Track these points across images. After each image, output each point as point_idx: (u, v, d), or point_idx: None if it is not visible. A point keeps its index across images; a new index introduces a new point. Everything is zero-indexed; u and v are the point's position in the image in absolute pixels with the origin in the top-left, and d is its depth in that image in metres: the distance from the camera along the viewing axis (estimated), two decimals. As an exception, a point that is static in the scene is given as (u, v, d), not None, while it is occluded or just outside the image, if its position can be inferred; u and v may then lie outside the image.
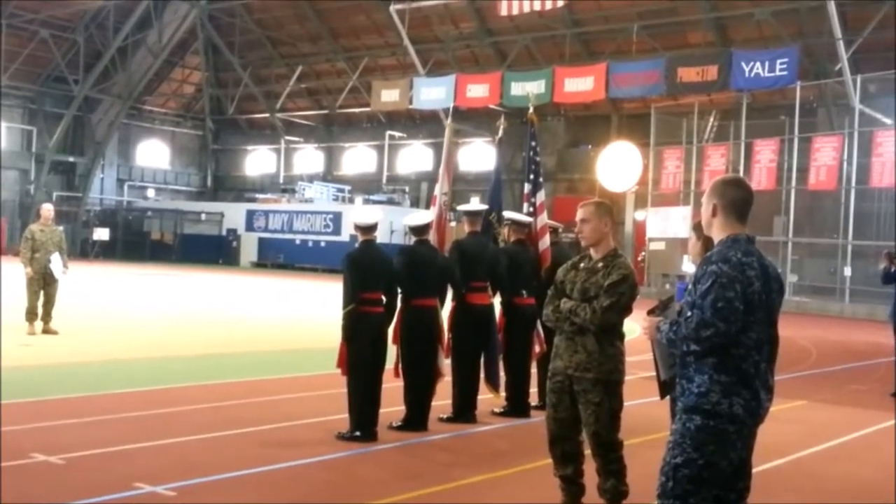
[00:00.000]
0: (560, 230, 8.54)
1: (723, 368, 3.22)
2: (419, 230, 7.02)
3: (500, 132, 9.38)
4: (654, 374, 3.61)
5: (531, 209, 8.07)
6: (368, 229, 6.66)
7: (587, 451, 4.64)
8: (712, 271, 3.23)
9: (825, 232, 27.29)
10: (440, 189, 8.01)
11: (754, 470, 3.48)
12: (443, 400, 7.25)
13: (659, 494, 3.31)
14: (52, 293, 11.88)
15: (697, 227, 4.25)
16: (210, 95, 47.25)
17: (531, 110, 8.79)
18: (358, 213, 6.98)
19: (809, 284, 27.58)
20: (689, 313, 3.24)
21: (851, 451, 7.20)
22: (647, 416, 7.01)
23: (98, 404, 7.37)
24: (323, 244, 37.63)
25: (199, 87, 47.32)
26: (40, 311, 11.79)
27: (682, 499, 3.27)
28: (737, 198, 3.39)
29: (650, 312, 3.47)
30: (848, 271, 25.62)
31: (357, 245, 6.68)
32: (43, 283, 11.78)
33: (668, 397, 3.59)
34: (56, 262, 11.84)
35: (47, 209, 12.41)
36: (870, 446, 7.45)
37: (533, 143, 8.42)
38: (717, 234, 3.37)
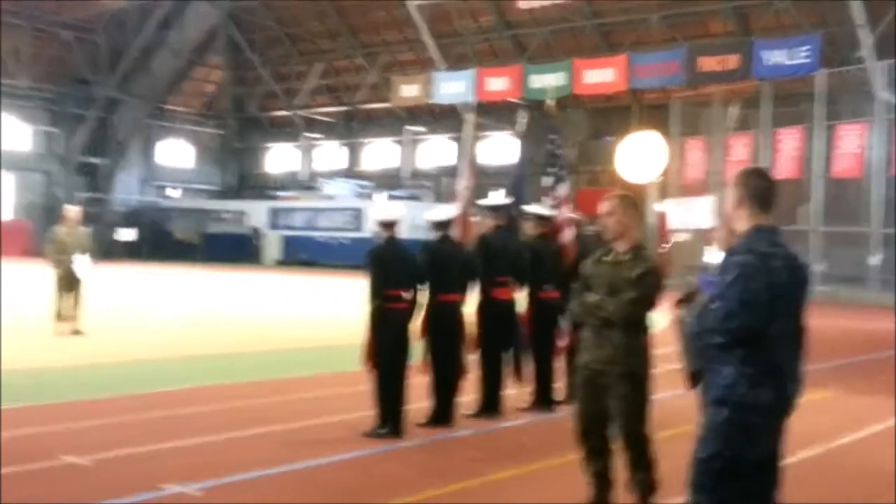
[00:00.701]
0: (582, 223, 8.46)
1: (749, 360, 3.19)
2: (441, 225, 7.00)
3: (521, 125, 9.33)
4: (681, 366, 3.58)
5: (554, 202, 8.02)
6: (390, 225, 6.65)
7: (615, 446, 4.60)
8: (737, 262, 3.21)
9: (852, 220, 26.95)
10: (462, 183, 7.98)
11: (786, 461, 3.43)
12: (468, 396, 7.22)
13: (689, 487, 3.30)
14: (79, 294, 11.96)
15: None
16: (231, 94, 47.49)
17: (551, 102, 8.72)
18: (379, 209, 6.96)
19: (838, 273, 27.24)
20: (714, 305, 3.21)
21: (884, 441, 7.10)
22: (676, 410, 6.93)
23: (124, 405, 7.41)
24: (346, 241, 37.70)
25: (221, 85, 47.56)
26: (68, 312, 11.87)
27: (712, 491, 3.25)
28: (760, 188, 3.37)
29: (677, 304, 3.44)
30: (877, 259, 25.29)
31: (380, 241, 6.67)
32: (69, 284, 11.86)
33: (696, 390, 3.56)
34: (81, 264, 11.90)
35: (72, 210, 12.47)
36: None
37: (553, 136, 8.37)
38: (742, 224, 3.35)
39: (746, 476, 3.27)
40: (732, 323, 3.15)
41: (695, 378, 3.42)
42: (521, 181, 8.49)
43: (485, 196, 8.67)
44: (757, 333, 3.17)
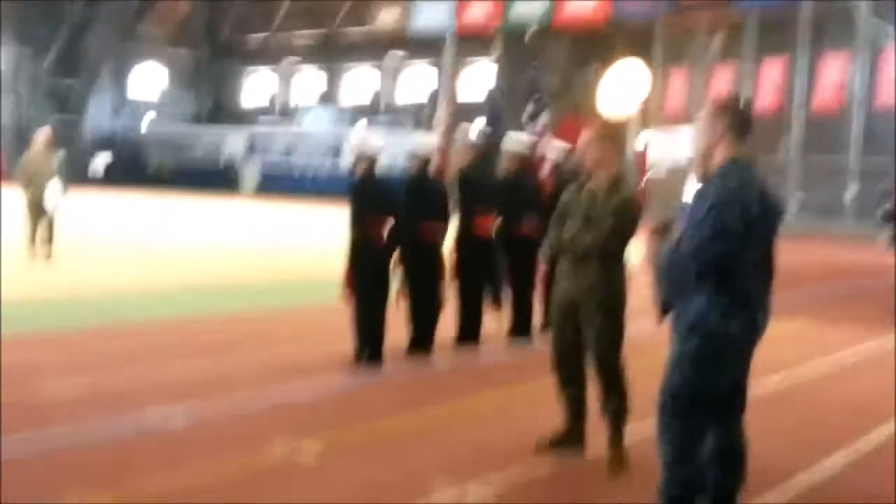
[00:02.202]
0: (564, 156, 8.41)
1: (721, 290, 3.24)
2: (423, 157, 6.97)
3: (497, 54, 9.21)
4: (652, 296, 3.62)
5: (534, 132, 7.98)
6: (372, 158, 6.60)
7: (590, 374, 4.69)
8: (711, 194, 3.24)
9: (831, 151, 27.05)
10: (441, 115, 7.92)
11: (752, 390, 3.52)
12: (447, 328, 7.29)
13: (658, 413, 3.39)
14: (52, 222, 11.68)
15: None
16: (205, 18, 46.38)
17: (532, 31, 8.60)
18: (361, 138, 6.91)
19: (815, 204, 27.45)
20: (688, 236, 3.24)
21: (850, 370, 7.27)
22: (649, 340, 7.04)
23: (102, 333, 7.42)
24: (325, 170, 37.43)
25: (194, 8, 46.41)
26: (40, 239, 11.60)
27: (681, 417, 3.34)
28: (738, 119, 3.38)
29: (651, 234, 3.46)
30: (853, 191, 25.49)
31: (360, 174, 6.63)
32: (41, 211, 11.53)
33: (667, 320, 3.61)
34: (52, 190, 11.55)
35: (42, 134, 12.01)
36: (869, 365, 7.51)
37: (534, 65, 8.27)
38: (719, 156, 3.35)
39: (714, 403, 3.36)
40: (707, 253, 3.18)
41: (665, 308, 3.47)
42: (497, 112, 8.42)
43: (462, 128, 8.61)
44: (730, 263, 3.22)
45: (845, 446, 4.96)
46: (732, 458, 3.44)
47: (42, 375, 5.71)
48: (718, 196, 3.21)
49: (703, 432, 3.38)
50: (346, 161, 34.63)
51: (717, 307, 3.25)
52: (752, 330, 3.33)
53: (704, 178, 3.39)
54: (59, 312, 8.38)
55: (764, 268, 3.36)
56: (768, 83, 26.49)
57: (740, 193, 3.23)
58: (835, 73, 25.34)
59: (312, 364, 6.50)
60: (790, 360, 7.07)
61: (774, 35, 28.13)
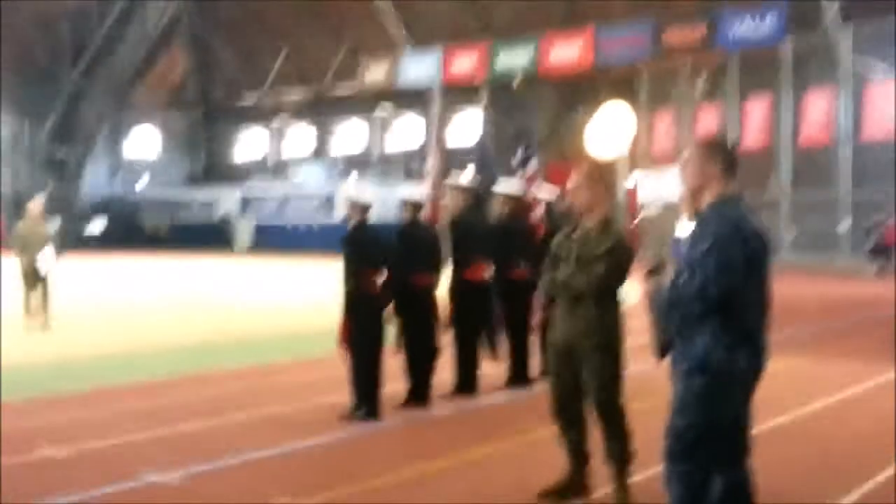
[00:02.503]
0: (552, 200, 8.45)
1: (724, 326, 3.24)
2: (415, 206, 7.00)
3: (484, 103, 9.32)
4: (651, 337, 3.60)
5: (524, 178, 8.03)
6: (365, 208, 6.64)
7: (590, 418, 4.64)
8: (712, 231, 3.26)
9: (821, 187, 27.22)
10: (431, 164, 7.97)
11: (754, 429, 3.49)
12: (444, 375, 7.24)
13: (665, 456, 3.34)
14: (47, 289, 11.78)
15: None
16: (197, 81, 46.96)
17: (518, 80, 8.74)
18: (354, 190, 6.95)
19: (807, 240, 27.57)
20: (690, 274, 3.24)
21: (851, 407, 7.21)
22: (649, 381, 7.00)
23: (98, 397, 7.35)
24: (317, 226, 37.53)
25: (187, 73, 47.00)
26: (36, 307, 11.71)
27: (689, 460, 3.30)
28: (728, 159, 3.44)
29: (647, 275, 3.47)
30: (845, 225, 25.59)
31: (353, 224, 6.65)
32: (36, 279, 11.70)
33: (668, 361, 3.59)
34: (45, 258, 11.68)
35: (34, 205, 12.31)
36: (870, 400, 7.46)
37: (521, 113, 8.35)
38: (711, 195, 3.38)
39: (721, 443, 3.32)
40: (711, 290, 3.19)
41: (664, 349, 3.46)
42: (487, 159, 8.48)
43: (453, 176, 8.67)
44: (734, 298, 3.22)
45: (853, 483, 4.90)
46: (740, 499, 3.39)
47: (33, 441, 5.64)
48: (718, 232, 3.24)
49: (712, 475, 3.34)
50: (339, 213, 34.93)
51: (721, 344, 3.24)
52: (756, 366, 3.32)
53: (696, 215, 3.42)
54: (50, 378, 8.30)
55: (760, 304, 3.37)
56: (754, 121, 26.76)
57: (739, 228, 3.27)
58: (820, 109, 25.61)
59: (309, 419, 6.44)
60: (791, 398, 7.01)
61: (757, 74, 28.50)
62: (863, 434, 6.19)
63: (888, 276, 21.55)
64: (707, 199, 3.39)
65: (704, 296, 3.20)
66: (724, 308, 3.22)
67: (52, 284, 11.92)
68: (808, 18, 27.56)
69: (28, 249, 11.70)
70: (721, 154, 3.43)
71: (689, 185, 3.47)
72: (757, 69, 29.00)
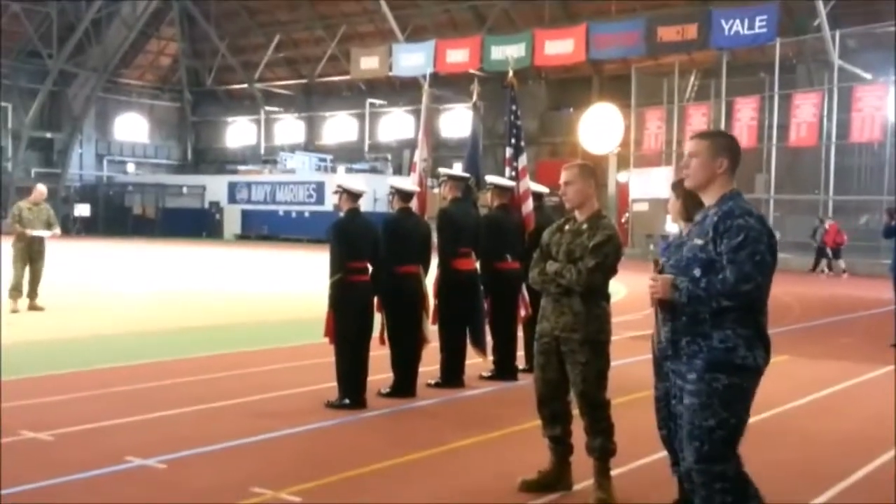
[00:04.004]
0: (545, 195, 8.47)
1: (743, 322, 3.19)
2: (406, 195, 7.01)
3: (476, 96, 9.33)
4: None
5: (514, 173, 8.05)
6: (356, 197, 6.65)
7: (575, 412, 4.68)
8: (740, 225, 3.15)
9: (807, 188, 27.40)
10: (420, 156, 7.98)
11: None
12: (430, 366, 7.28)
13: (697, 460, 3.24)
14: (38, 269, 11.83)
15: (677, 187, 4.24)
16: (187, 67, 46.73)
17: (511, 74, 8.77)
18: (344, 181, 6.96)
19: (792, 241, 27.75)
20: (718, 269, 3.15)
21: (837, 404, 7.29)
22: (634, 376, 7.06)
23: (86, 380, 7.35)
24: (306, 214, 37.49)
25: (176, 58, 46.77)
26: (26, 287, 11.73)
27: (722, 460, 3.23)
28: (737, 151, 3.37)
29: (659, 272, 3.36)
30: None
31: (342, 214, 6.67)
32: (28, 259, 11.74)
33: (650, 357, 3.57)
34: (40, 241, 11.87)
35: (40, 189, 12.43)
36: (855, 398, 7.54)
37: (514, 108, 8.38)
38: (719, 189, 3.30)
39: (738, 438, 3.28)
40: (746, 286, 3.10)
41: (674, 345, 3.33)
42: (475, 153, 8.49)
43: (446, 168, 8.69)
44: (763, 294, 3.16)
45: (839, 479, 4.96)
46: (746, 485, 3.36)
47: (17, 424, 5.64)
48: (749, 225, 3.14)
49: (740, 469, 3.29)
50: (331, 200, 34.85)
51: (742, 340, 3.19)
52: (768, 361, 3.29)
53: (704, 209, 3.33)
54: (35, 361, 8.28)
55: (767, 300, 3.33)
56: (742, 122, 26.87)
57: (764, 222, 3.21)
58: (808, 111, 25.74)
59: (294, 408, 6.45)
60: (777, 395, 7.07)
61: (746, 75, 28.63)
62: (848, 430, 6.25)
63: (819, 274, 23.01)
64: (716, 192, 3.29)
65: (737, 291, 3.10)
66: (748, 305, 3.16)
67: (43, 266, 11.95)
68: (800, 20, 27.71)
69: (27, 230, 11.72)
70: (729, 146, 3.35)
71: (696, 181, 3.35)
72: (748, 69, 29.13)
